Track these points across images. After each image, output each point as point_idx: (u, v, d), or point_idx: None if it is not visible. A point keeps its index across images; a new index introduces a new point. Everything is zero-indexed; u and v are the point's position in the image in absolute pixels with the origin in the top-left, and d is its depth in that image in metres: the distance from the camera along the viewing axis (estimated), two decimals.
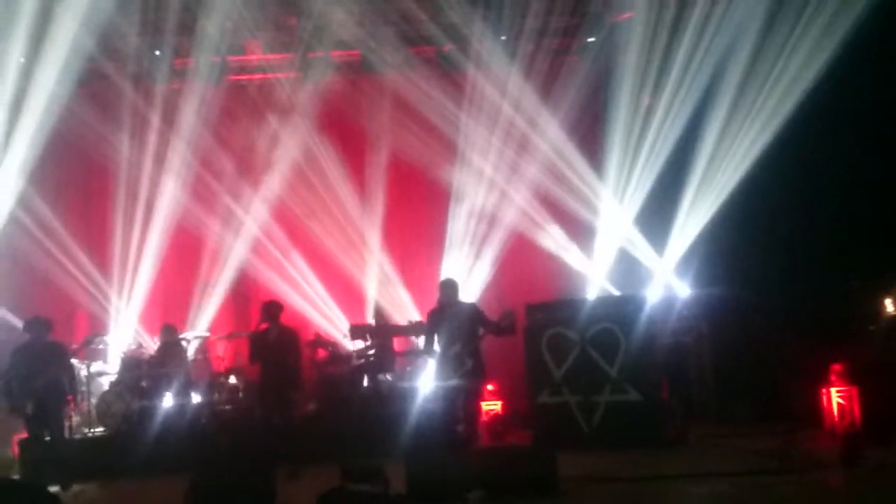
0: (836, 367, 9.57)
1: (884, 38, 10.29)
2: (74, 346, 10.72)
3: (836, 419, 9.43)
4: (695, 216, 12.55)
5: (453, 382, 8.92)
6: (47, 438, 9.25)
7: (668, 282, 12.71)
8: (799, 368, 9.99)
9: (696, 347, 11.96)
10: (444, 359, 8.99)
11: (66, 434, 9.70)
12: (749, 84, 12.16)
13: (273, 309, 9.66)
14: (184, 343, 11.76)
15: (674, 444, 9.66)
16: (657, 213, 12.85)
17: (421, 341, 11.73)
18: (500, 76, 13.24)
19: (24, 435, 9.92)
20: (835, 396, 9.50)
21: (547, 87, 13.31)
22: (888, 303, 10.12)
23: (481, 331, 9.14)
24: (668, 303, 12.19)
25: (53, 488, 8.07)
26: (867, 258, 10.54)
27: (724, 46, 12.27)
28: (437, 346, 9.15)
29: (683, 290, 12.49)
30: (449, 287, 9.38)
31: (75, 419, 10.54)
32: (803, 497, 6.85)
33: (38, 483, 8.28)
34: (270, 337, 9.50)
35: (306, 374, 11.87)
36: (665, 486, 7.66)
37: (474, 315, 9.25)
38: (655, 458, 8.87)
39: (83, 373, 11.14)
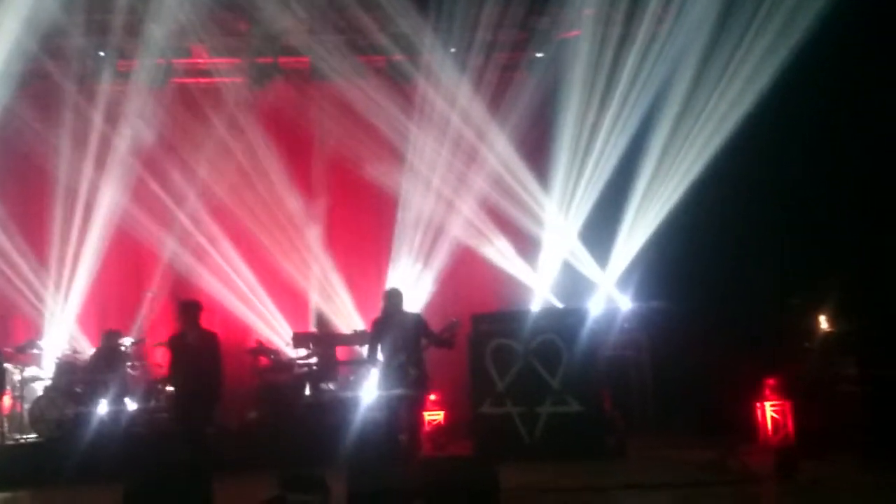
0: (771, 381, 9.79)
1: (824, 55, 10.56)
2: (8, 350, 10.47)
3: (770, 433, 9.64)
4: (637, 231, 12.73)
5: (396, 392, 8.89)
6: None
7: (611, 295, 12.87)
8: (735, 382, 10.19)
9: (637, 360, 12.13)
10: (388, 369, 8.95)
11: None
12: (692, 100, 12.39)
13: (191, 310, 8.87)
14: (121, 349, 11.53)
15: (614, 456, 9.78)
16: (601, 227, 13.00)
17: (364, 350, 11.70)
18: (449, 88, 13.27)
19: None
20: (769, 410, 9.72)
21: (495, 100, 13.39)
22: (822, 319, 10.37)
23: (424, 342, 9.13)
24: (610, 316, 12.35)
25: None
26: (805, 275, 10.79)
27: (669, 63, 12.50)
28: (380, 356, 9.12)
29: (625, 304, 12.65)
30: (394, 296, 9.35)
31: (6, 425, 10.27)
32: None
33: None
34: (187, 341, 8.73)
35: (248, 382, 11.78)
36: (604, 496, 7.75)
37: (418, 325, 9.24)
38: (596, 468, 8.98)
39: (16, 377, 10.87)
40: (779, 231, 11.08)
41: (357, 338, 12.16)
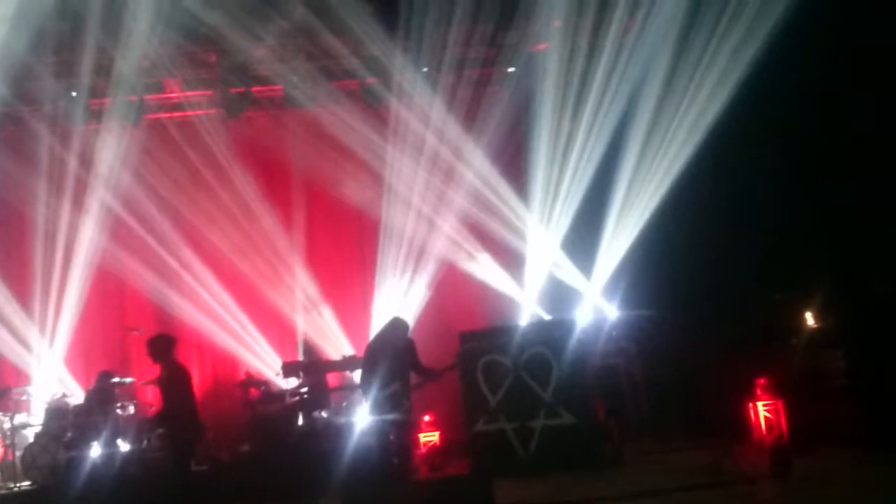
0: (761, 380, 9.82)
1: (792, 59, 10.68)
2: None
3: (764, 432, 9.66)
4: (619, 238, 12.79)
5: (388, 416, 8.86)
6: None
7: (597, 304, 12.90)
8: (726, 383, 10.21)
9: (627, 367, 12.16)
10: (382, 396, 8.92)
11: None
12: (666, 105, 12.49)
13: (159, 344, 8.50)
14: (113, 390, 11.44)
15: (610, 464, 9.78)
16: (583, 237, 13.05)
17: (356, 375, 11.66)
18: (423, 107, 13.32)
19: None
20: (761, 410, 9.74)
21: (470, 116, 13.46)
22: (808, 316, 10.42)
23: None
24: (598, 325, 12.38)
25: None
26: (789, 272, 10.86)
27: (640, 68, 12.59)
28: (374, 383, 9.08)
29: (612, 312, 12.68)
30: (396, 327, 9.34)
31: None
32: None
33: None
34: (161, 378, 8.44)
35: (239, 414, 11.72)
36: None
37: (410, 351, 9.23)
38: (593, 479, 8.97)
39: (6, 425, 10.78)
40: (758, 229, 11.15)
41: (346, 363, 12.12)
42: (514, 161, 13.53)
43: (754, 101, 11.14)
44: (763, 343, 10.38)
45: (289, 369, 11.78)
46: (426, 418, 11.32)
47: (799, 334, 10.49)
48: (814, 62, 10.41)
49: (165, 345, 8.52)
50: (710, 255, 11.39)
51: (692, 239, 11.55)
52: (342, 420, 11.25)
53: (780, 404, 9.57)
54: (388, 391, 8.84)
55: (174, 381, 8.40)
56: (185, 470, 8.57)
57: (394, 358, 8.96)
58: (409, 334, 9.50)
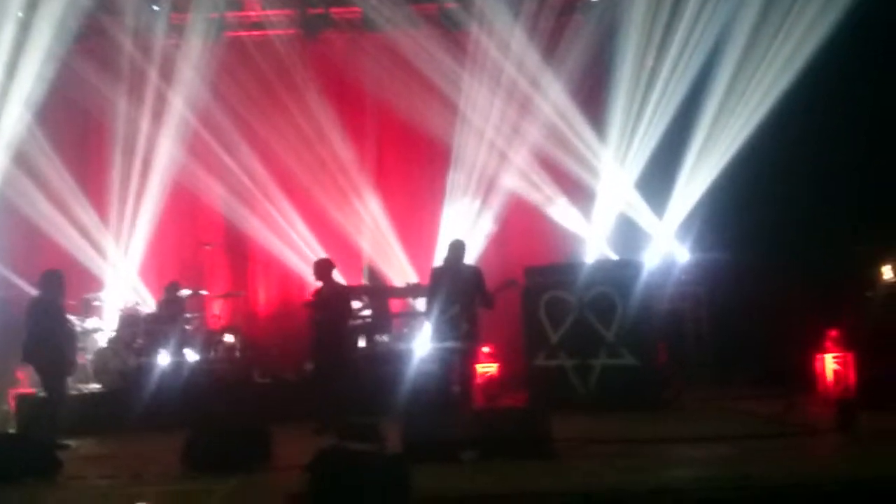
0: (832, 332, 9.58)
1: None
2: (72, 303, 10.69)
3: (831, 385, 9.45)
4: (696, 180, 12.45)
5: (449, 344, 8.88)
6: (42, 394, 9.25)
7: (668, 246, 12.65)
8: (795, 333, 9.98)
9: (694, 312, 11.97)
10: (441, 320, 8.93)
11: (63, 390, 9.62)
12: (755, 44, 12.00)
13: (323, 266, 9.81)
14: (182, 301, 11.73)
15: (669, 408, 9.70)
16: (658, 177, 12.74)
17: (417, 303, 11.71)
18: (502, 35, 13.05)
19: (20, 390, 9.95)
20: (830, 362, 9.51)
21: (550, 46, 13.12)
22: (887, 269, 10.07)
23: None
24: (667, 267, 12.18)
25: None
26: (870, 223, 10.47)
27: (731, 5, 12.07)
28: (434, 307, 9.09)
29: (683, 255, 12.44)
30: (456, 248, 9.27)
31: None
32: (798, 462, 6.85)
33: (36, 438, 8.35)
34: (321, 293, 9.69)
35: (305, 334, 11.90)
36: (661, 448, 7.66)
37: (476, 279, 9.17)
38: (651, 421, 8.91)
39: (78, 329, 11.13)
40: (844, 178, 10.72)
41: (410, 290, 12.17)
42: (592, 95, 13.19)
43: (852, 38, 10.59)
44: (838, 294, 10.08)
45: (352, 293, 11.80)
46: (485, 349, 11.32)
47: (875, 288, 10.16)
48: None
49: (327, 267, 9.79)
50: (790, 201, 11.02)
51: (772, 185, 11.19)
52: (402, 346, 11.35)
53: (850, 357, 9.33)
54: (447, 315, 8.82)
55: (332, 298, 9.67)
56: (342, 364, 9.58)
57: (454, 282, 8.93)
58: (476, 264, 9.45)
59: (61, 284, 9.12)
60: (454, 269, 9.09)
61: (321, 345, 9.66)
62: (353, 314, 10.42)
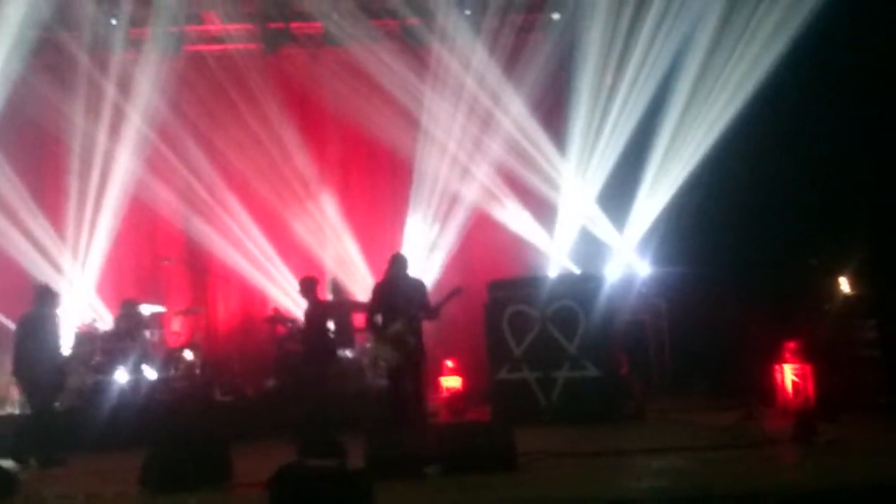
0: (791, 344, 9.71)
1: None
2: None
3: (790, 396, 9.57)
4: (656, 195, 12.57)
5: (394, 360, 8.85)
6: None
7: (629, 260, 12.76)
8: (753, 345, 10.11)
9: (655, 325, 12.08)
10: (384, 336, 8.89)
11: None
12: (712, 62, 12.15)
13: (307, 284, 10.23)
14: (140, 318, 11.57)
15: (631, 420, 9.77)
16: (619, 191, 12.85)
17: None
18: (464, 51, 13.10)
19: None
20: (789, 373, 9.64)
21: (511, 63, 13.19)
22: (842, 282, 10.24)
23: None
24: (628, 281, 12.28)
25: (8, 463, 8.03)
26: (827, 238, 10.64)
27: (688, 22, 12.24)
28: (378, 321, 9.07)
29: (643, 269, 12.55)
30: (399, 262, 9.28)
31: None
32: (757, 472, 6.93)
33: None
34: (307, 311, 10.21)
35: (267, 350, 11.82)
36: (622, 460, 7.71)
37: (419, 292, 9.17)
38: (613, 432, 8.97)
39: None
40: (799, 192, 10.89)
41: None
42: (553, 111, 13.27)
43: (809, 55, 10.78)
44: (795, 307, 10.23)
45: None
46: (449, 364, 11.33)
47: (832, 301, 10.32)
48: (871, 18, 10.04)
49: (311, 284, 10.23)
50: (747, 216, 11.17)
51: (730, 198, 11.33)
52: (366, 360, 11.29)
53: (809, 369, 9.46)
54: (391, 330, 8.80)
55: (316, 315, 10.16)
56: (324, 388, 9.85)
57: (396, 296, 8.91)
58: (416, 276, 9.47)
59: (55, 299, 9.10)
60: (396, 283, 9.08)
61: (310, 360, 10.03)
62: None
